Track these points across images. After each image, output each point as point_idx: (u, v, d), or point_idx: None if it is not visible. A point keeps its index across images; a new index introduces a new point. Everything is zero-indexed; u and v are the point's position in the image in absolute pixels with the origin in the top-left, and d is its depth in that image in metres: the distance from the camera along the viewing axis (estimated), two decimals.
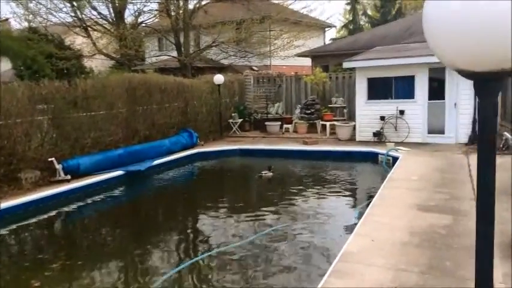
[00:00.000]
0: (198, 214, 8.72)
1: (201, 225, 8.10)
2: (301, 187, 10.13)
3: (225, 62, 23.29)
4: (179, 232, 7.69)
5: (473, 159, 10.45)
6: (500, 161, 10.10)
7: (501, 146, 11.07)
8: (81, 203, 9.23)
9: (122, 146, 11.92)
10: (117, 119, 12.20)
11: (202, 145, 14.33)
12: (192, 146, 13.95)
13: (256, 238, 6.58)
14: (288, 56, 22.07)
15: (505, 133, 8.18)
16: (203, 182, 11.91)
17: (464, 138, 12.60)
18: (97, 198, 9.57)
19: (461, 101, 12.58)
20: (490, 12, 1.61)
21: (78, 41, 22.36)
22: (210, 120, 16.03)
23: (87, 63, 24.52)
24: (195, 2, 20.75)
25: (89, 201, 9.39)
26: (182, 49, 20.82)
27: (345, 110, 15.82)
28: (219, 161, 13.36)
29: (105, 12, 21.08)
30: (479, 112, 1.91)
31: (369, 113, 13.76)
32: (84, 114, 11.26)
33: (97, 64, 25.23)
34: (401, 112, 13.29)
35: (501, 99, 13.94)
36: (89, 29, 20.56)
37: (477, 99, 1.94)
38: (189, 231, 7.91)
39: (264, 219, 7.73)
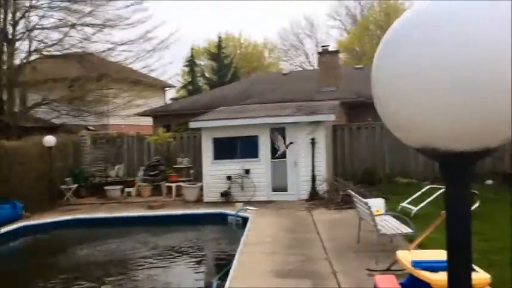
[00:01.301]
0: None
1: None
2: (148, 259, 9.19)
3: (57, 121, 21.28)
4: None
5: (316, 215, 10.84)
6: (339, 216, 10.66)
7: (339, 201, 11.78)
8: None
9: None
10: None
11: (29, 217, 12.39)
12: (16, 219, 11.94)
13: None
14: (129, 115, 21.15)
15: (350, 191, 8.60)
16: (27, 263, 10.10)
17: (304, 195, 13.13)
18: None
19: (301, 159, 13.21)
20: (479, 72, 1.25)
21: None
22: (40, 187, 14.07)
23: None
24: (22, 57, 18.78)
25: None
26: (5, 108, 18.42)
27: (191, 171, 15.45)
28: (49, 235, 11.58)
29: None
30: (448, 206, 1.43)
31: (216, 173, 13.60)
32: None
33: None
34: (247, 171, 13.42)
35: (333, 156, 15.11)
36: None
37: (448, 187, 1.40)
38: None
39: None
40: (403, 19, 1.42)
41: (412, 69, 1.29)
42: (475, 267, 4.30)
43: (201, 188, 13.91)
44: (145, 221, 12.05)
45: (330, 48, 23.37)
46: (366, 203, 7.08)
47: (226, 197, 13.33)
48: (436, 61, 1.25)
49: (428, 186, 10.96)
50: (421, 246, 6.01)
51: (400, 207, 10.13)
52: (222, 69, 42.39)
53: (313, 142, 13.03)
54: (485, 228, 7.95)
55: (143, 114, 23.57)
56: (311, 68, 47.86)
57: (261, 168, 13.40)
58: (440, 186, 10.28)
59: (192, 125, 14.12)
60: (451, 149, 1.31)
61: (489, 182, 13.16)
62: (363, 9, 50.74)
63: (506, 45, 1.23)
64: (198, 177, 14.79)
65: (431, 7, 1.40)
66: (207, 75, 45.19)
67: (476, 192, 9.38)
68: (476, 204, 9.10)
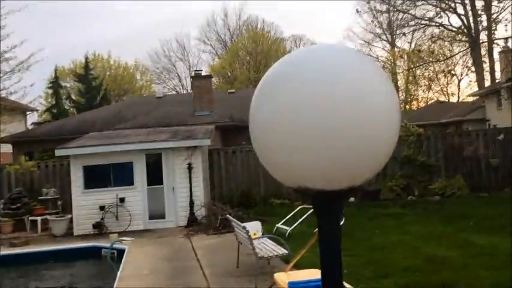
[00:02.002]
0: None
1: None
2: None
3: None
4: None
5: (196, 241, 10.81)
6: (219, 240, 10.76)
7: (218, 226, 11.90)
8: None
9: None
10: None
11: None
12: None
13: None
14: None
15: (228, 216, 8.76)
16: None
17: (183, 221, 13.01)
18: None
19: (178, 185, 13.11)
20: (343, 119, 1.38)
21: None
22: None
23: None
24: None
25: None
26: None
27: (59, 202, 14.36)
28: None
29: None
30: (321, 236, 1.56)
31: (87, 203, 12.83)
32: None
33: None
34: (122, 200, 12.90)
35: (210, 181, 15.26)
36: None
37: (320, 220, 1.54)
38: None
39: None
40: (276, 66, 1.54)
41: (285, 115, 1.41)
42: (344, 283, 4.68)
43: (71, 220, 13.00)
44: (7, 260, 10.84)
45: (203, 73, 23.75)
46: (244, 227, 7.28)
47: (99, 229, 12.62)
48: (306, 109, 1.38)
49: (300, 207, 11.61)
50: (297, 266, 6.36)
51: (275, 228, 10.58)
52: (91, 92, 40.37)
53: (190, 167, 13.03)
54: (351, 244, 8.67)
55: (1, 141, 21.39)
56: (185, 91, 48.01)
57: (137, 195, 13.00)
58: (311, 206, 10.97)
59: (59, 152, 13.19)
60: (322, 188, 1.46)
61: (352, 199, 14.39)
62: (232, 36, 52.58)
63: (370, 96, 1.41)
64: (67, 208, 13.81)
65: (304, 55, 1.55)
66: (73, 97, 42.64)
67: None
68: (342, 222, 9.88)
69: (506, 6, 23.32)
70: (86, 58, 42.05)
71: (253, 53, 47.32)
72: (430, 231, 9.82)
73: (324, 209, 1.53)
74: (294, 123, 1.39)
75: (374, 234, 9.94)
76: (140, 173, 13.04)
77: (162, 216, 13.07)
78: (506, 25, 22.63)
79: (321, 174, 1.43)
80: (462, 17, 29.17)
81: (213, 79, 29.76)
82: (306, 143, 1.39)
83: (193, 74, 24.71)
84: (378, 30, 43.34)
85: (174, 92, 48.77)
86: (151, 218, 13.04)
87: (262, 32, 49.84)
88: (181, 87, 51.77)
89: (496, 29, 25.75)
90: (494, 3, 24.73)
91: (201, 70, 24.26)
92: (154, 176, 13.10)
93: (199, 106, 21.27)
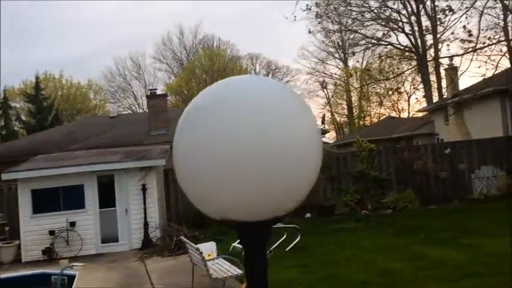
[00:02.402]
0: None
1: None
2: None
3: None
4: None
5: (150, 264, 10.57)
6: (174, 263, 10.56)
7: (173, 247, 11.68)
8: None
9: None
10: None
11: None
12: None
13: None
14: None
15: (182, 238, 8.62)
16: None
17: (137, 244, 12.71)
18: None
19: (132, 207, 12.82)
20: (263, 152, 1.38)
21: None
22: None
23: None
24: None
25: None
26: None
27: (6, 228, 13.70)
28: None
29: None
30: (247, 264, 1.57)
31: (36, 228, 12.32)
32: None
33: None
34: (72, 224, 12.46)
35: (166, 201, 15.03)
36: None
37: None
38: None
39: None
40: (199, 98, 1.55)
41: (207, 148, 1.41)
42: None
43: (19, 247, 12.43)
44: None
45: (158, 92, 23.57)
46: (198, 249, 7.18)
47: (49, 254, 12.12)
48: (227, 142, 1.39)
49: None
50: None
51: (232, 247, 10.48)
52: (42, 112, 39.12)
53: (144, 188, 12.78)
54: (307, 260, 8.72)
55: None
56: (141, 110, 47.32)
57: (88, 219, 12.60)
58: None
59: (5, 176, 12.65)
60: (245, 220, 1.46)
61: (308, 215, 14.52)
62: (188, 54, 52.50)
63: (291, 126, 1.43)
64: (15, 234, 13.18)
65: (228, 86, 1.57)
66: (23, 118, 41.18)
67: (297, 226, 10.26)
68: (298, 239, 9.95)
69: (448, 27, 24.48)
70: (37, 78, 40.85)
71: (209, 71, 47.40)
72: (383, 245, 10.02)
73: (249, 239, 1.54)
74: (216, 154, 1.39)
75: (330, 250, 10.04)
76: (92, 196, 12.66)
77: (116, 240, 12.72)
78: (448, 44, 23.57)
79: (244, 206, 1.43)
80: (410, 36, 30.39)
81: (169, 97, 29.56)
82: (226, 173, 1.39)
83: (148, 93, 24.43)
84: (331, 49, 44.54)
85: (129, 111, 47.98)
86: (104, 241, 12.65)
87: (219, 50, 50.08)
88: (137, 106, 51.01)
89: (441, 47, 26.95)
90: (439, 22, 25.94)
91: (156, 89, 24.10)
92: (107, 198, 12.76)
93: (155, 125, 21.01)
